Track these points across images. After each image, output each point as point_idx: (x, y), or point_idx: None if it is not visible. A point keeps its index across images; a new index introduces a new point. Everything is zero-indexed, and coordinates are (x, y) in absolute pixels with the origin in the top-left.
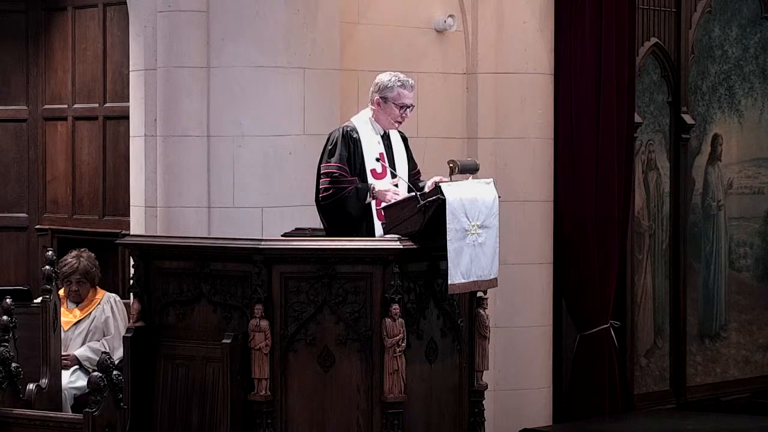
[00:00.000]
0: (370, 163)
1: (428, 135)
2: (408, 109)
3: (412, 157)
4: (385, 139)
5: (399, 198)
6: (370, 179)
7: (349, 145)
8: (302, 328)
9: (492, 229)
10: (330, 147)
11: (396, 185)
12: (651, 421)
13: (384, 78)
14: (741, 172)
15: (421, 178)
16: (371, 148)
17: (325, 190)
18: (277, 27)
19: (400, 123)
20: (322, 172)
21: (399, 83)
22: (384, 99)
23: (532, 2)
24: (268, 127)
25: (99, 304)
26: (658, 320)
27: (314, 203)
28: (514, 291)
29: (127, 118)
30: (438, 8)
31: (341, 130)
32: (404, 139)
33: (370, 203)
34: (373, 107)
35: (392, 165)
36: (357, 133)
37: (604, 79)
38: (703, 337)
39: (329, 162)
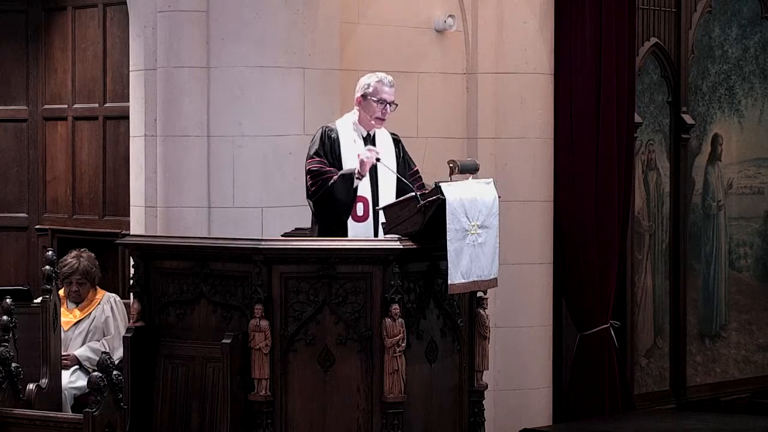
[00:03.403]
0: (348, 163)
1: (428, 135)
2: (388, 106)
3: (409, 158)
4: (369, 141)
5: (374, 156)
6: None
7: (325, 142)
8: (302, 328)
9: (492, 229)
10: (311, 145)
11: (378, 159)
12: (651, 421)
13: (363, 78)
14: (741, 172)
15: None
16: (350, 148)
17: (311, 185)
18: (277, 27)
19: (381, 120)
20: (306, 170)
21: (377, 79)
22: (363, 96)
23: (532, 2)
24: (268, 127)
25: (99, 304)
26: (658, 320)
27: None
28: (514, 291)
29: (127, 118)
30: (438, 8)
31: (321, 129)
32: (396, 141)
33: (357, 187)
34: (357, 108)
35: (375, 166)
36: (336, 133)
37: (604, 79)
38: (703, 337)
39: (311, 159)
